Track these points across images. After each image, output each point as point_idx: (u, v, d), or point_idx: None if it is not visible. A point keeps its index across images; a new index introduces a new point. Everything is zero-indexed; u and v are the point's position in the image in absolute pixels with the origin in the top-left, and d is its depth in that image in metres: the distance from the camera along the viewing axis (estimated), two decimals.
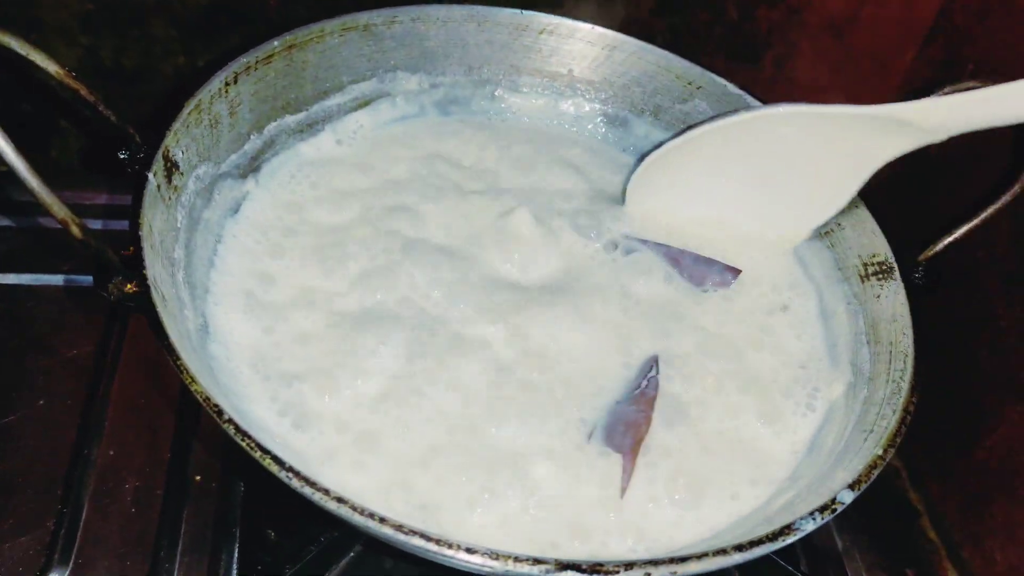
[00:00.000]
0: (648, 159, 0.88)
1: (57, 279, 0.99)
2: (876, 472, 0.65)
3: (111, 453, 0.86)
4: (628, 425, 0.74)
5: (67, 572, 0.78)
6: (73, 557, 0.79)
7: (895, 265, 0.81)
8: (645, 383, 0.77)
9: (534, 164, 0.95)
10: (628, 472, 0.71)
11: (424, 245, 0.85)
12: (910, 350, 0.74)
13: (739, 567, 0.82)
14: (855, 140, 0.80)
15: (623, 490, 0.71)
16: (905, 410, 0.69)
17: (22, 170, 0.56)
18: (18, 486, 0.82)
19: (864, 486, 0.64)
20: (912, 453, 1.01)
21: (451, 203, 0.89)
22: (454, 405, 0.74)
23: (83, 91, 0.68)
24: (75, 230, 0.59)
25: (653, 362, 0.79)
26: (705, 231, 0.91)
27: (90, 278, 0.96)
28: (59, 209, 0.58)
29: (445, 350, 0.76)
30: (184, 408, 0.90)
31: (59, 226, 0.94)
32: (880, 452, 0.66)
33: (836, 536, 0.92)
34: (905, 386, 0.71)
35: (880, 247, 0.83)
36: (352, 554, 0.80)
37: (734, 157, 0.86)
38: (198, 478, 0.85)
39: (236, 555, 0.80)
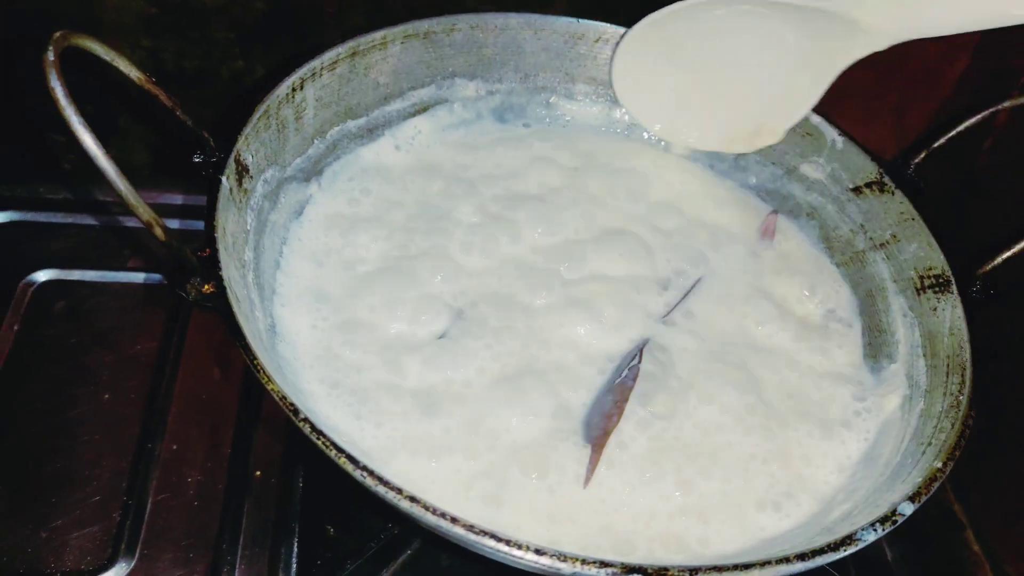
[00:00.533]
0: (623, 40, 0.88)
1: (120, 276, 1.02)
2: (936, 485, 0.65)
3: (174, 448, 0.88)
4: (602, 416, 0.75)
5: (133, 562, 0.80)
6: (139, 548, 0.81)
7: (952, 278, 0.81)
8: (626, 372, 0.77)
9: (592, 171, 0.97)
10: (593, 463, 0.72)
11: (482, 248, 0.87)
12: (968, 364, 0.74)
13: None
14: (811, 42, 0.84)
15: (586, 480, 0.72)
16: (964, 423, 0.70)
17: (111, 173, 0.58)
18: (85, 478, 0.85)
19: (924, 498, 0.64)
20: (956, 465, 1.01)
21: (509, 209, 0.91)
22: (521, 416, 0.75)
23: (162, 96, 0.70)
24: (158, 232, 0.61)
25: (638, 350, 0.79)
26: None
27: (153, 275, 1.01)
28: (144, 211, 0.60)
29: (520, 354, 0.79)
30: (244, 404, 0.92)
31: (123, 224, 0.97)
32: (940, 465, 0.67)
33: (886, 547, 0.92)
34: (964, 400, 0.72)
35: (936, 260, 0.83)
36: (409, 551, 0.81)
37: (704, 48, 0.88)
38: (258, 473, 0.87)
39: (295, 550, 0.81)
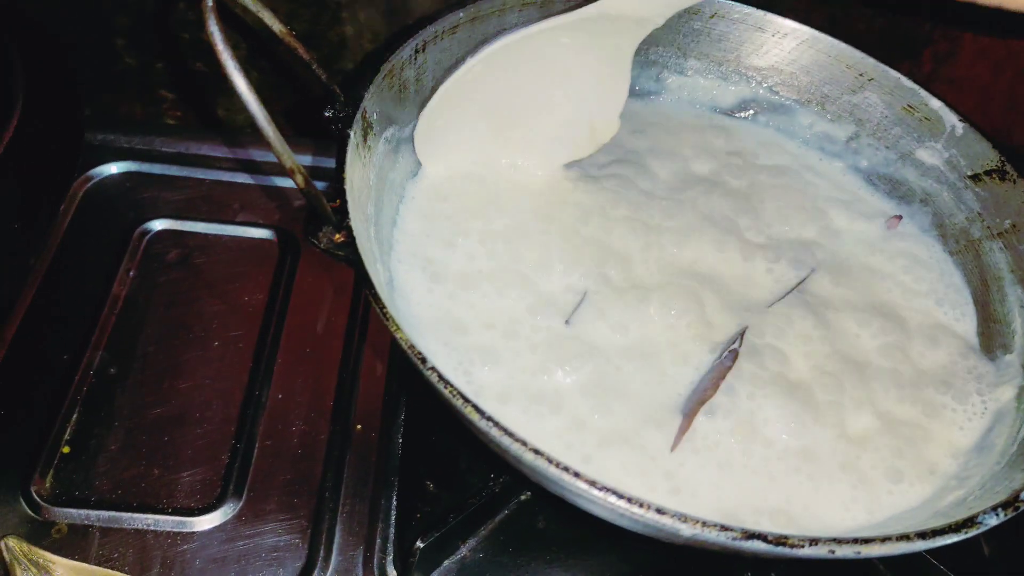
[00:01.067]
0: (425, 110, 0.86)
1: (230, 229, 1.04)
2: None
3: (279, 397, 0.91)
4: (697, 392, 0.76)
5: (240, 504, 0.83)
6: (246, 490, 0.84)
7: None
8: (725, 354, 0.78)
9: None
10: (682, 430, 0.73)
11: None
12: None
13: (887, 564, 0.82)
14: (598, 41, 0.87)
15: (673, 445, 0.73)
16: None
17: (262, 119, 0.60)
18: (195, 420, 0.88)
19: None
20: None
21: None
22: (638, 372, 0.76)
23: (300, 50, 0.72)
24: (299, 179, 0.63)
25: (739, 336, 0.80)
26: None
27: (263, 229, 1.03)
28: (288, 158, 0.62)
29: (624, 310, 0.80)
30: (346, 360, 0.94)
31: (232, 180, 0.99)
32: None
33: (983, 541, 0.90)
34: None
35: None
36: (506, 511, 0.83)
37: (509, 84, 0.88)
38: (359, 427, 0.89)
39: (395, 502, 0.83)
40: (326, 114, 0.74)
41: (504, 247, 0.84)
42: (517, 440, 0.58)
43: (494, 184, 0.90)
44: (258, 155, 1.11)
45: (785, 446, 0.74)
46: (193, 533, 0.81)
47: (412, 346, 0.62)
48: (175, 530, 0.80)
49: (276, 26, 0.70)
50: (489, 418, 0.59)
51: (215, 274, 1.00)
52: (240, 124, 1.18)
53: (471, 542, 0.81)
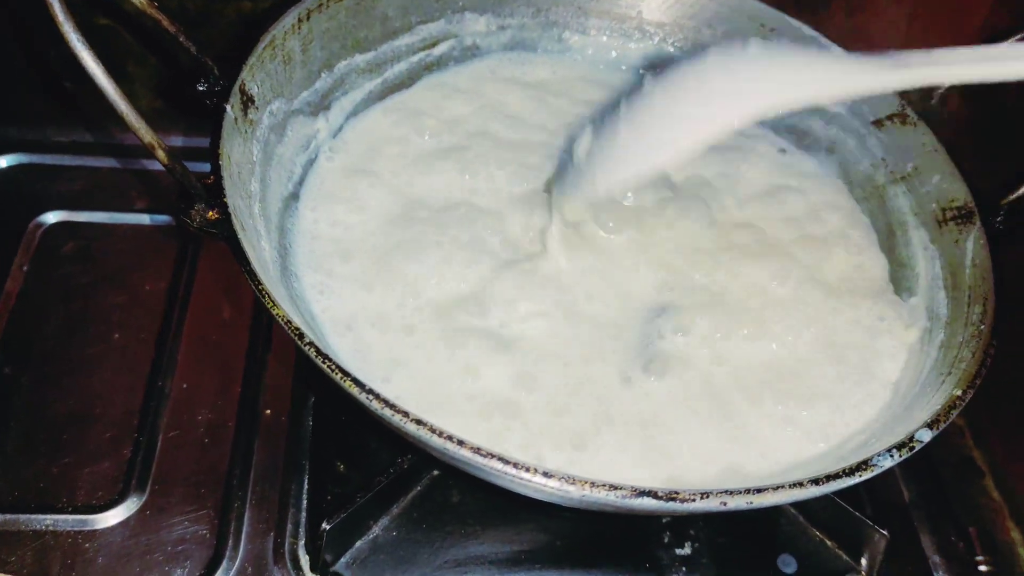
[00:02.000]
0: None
1: (129, 218, 1.01)
2: (955, 413, 0.64)
3: (184, 386, 0.88)
4: None
5: (144, 497, 0.80)
6: (150, 483, 0.81)
7: (975, 209, 0.79)
8: None
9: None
10: None
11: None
12: (991, 294, 0.72)
13: (803, 509, 0.82)
14: None
15: None
16: (985, 352, 0.68)
17: (112, 93, 0.57)
18: (96, 416, 0.85)
19: (943, 425, 0.63)
20: (976, 411, 0.99)
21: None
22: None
23: (165, 21, 0.69)
24: (160, 155, 0.60)
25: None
26: None
27: (161, 216, 1.00)
28: (146, 133, 0.59)
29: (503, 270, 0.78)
30: (254, 343, 0.92)
31: (131, 166, 0.96)
32: (959, 392, 0.65)
33: (903, 487, 0.91)
34: (985, 329, 0.70)
35: (959, 191, 0.81)
36: (419, 488, 0.81)
37: None
38: (268, 412, 0.87)
39: (306, 486, 0.81)
40: (199, 88, 0.71)
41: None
42: (399, 412, 0.56)
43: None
44: (165, 140, 1.07)
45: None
46: (95, 531, 0.78)
47: (289, 321, 0.60)
48: (76, 529, 0.78)
49: None
50: (370, 391, 0.57)
51: (114, 264, 0.97)
52: (148, 109, 1.14)
53: (383, 520, 0.79)
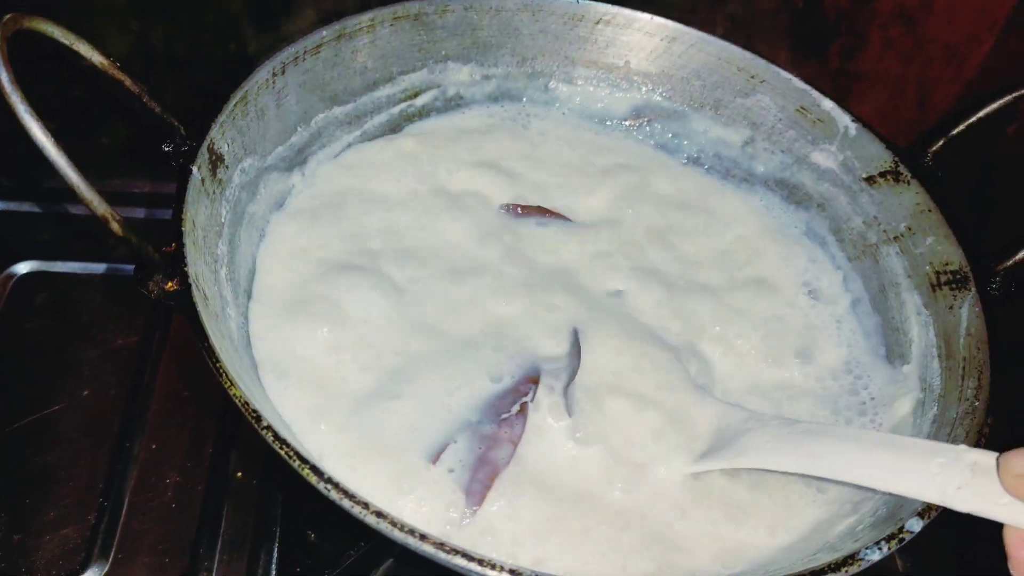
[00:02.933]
0: None
1: (103, 268, 0.99)
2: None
3: (153, 447, 0.86)
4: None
5: (106, 567, 0.78)
6: (113, 552, 0.78)
7: (970, 275, 0.76)
8: (517, 408, 0.70)
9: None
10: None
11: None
12: (986, 367, 0.69)
13: None
14: None
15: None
16: (979, 432, 0.65)
17: (63, 165, 0.55)
18: (61, 478, 0.82)
19: (934, 514, 0.60)
20: None
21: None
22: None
23: (127, 82, 0.67)
24: (115, 227, 0.58)
25: (533, 381, 0.72)
26: None
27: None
28: (99, 205, 0.57)
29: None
30: (227, 403, 0.88)
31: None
32: None
33: (897, 557, 0.88)
34: (980, 406, 0.67)
35: (954, 254, 0.78)
36: (391, 560, 0.78)
37: None
38: (239, 475, 0.84)
39: (276, 555, 0.79)
40: (165, 148, 0.69)
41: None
42: (358, 502, 0.54)
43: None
44: (134, 186, 1.05)
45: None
46: None
47: (247, 403, 0.57)
48: None
49: (96, 58, 0.64)
50: (328, 479, 0.54)
51: (87, 317, 0.94)
52: (105, 153, 1.11)
53: None
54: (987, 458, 0.56)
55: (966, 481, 0.56)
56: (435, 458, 0.66)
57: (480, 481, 0.66)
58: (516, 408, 0.70)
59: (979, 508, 0.56)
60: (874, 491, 0.65)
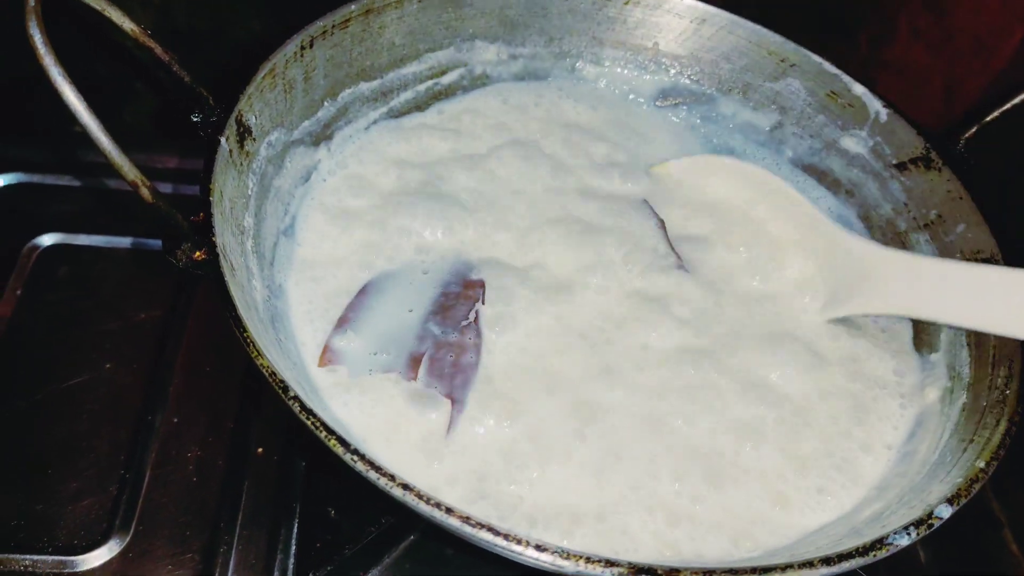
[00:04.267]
0: None
1: (127, 242, 0.98)
2: (977, 487, 0.60)
3: (175, 421, 0.85)
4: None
5: (127, 538, 0.77)
6: (134, 524, 0.78)
7: (1001, 262, 0.75)
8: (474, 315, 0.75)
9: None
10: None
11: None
12: (1017, 355, 0.68)
13: None
14: None
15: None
16: (1011, 420, 0.64)
17: (95, 130, 0.54)
18: (83, 449, 0.82)
19: (964, 501, 0.59)
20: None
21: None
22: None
23: (157, 50, 0.66)
24: (145, 192, 0.58)
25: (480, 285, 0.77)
26: None
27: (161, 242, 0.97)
28: (129, 170, 0.57)
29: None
30: (248, 379, 0.89)
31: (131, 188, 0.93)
32: (982, 465, 0.61)
33: (919, 546, 0.87)
34: (1011, 395, 0.66)
35: (985, 242, 0.77)
36: (412, 537, 0.78)
37: None
38: (260, 450, 0.84)
39: (295, 531, 0.78)
40: (193, 119, 0.69)
41: None
42: (384, 475, 0.53)
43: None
44: (157, 161, 1.05)
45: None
46: (75, 573, 0.75)
47: (274, 373, 0.57)
48: (56, 572, 0.75)
49: (127, 24, 0.64)
50: (355, 451, 0.54)
51: (109, 290, 0.94)
52: (132, 125, 1.11)
53: (374, 572, 0.76)
54: None
55: None
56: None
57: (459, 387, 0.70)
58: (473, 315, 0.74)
59: None
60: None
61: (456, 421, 0.68)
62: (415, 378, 0.71)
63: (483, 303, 0.76)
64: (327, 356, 0.71)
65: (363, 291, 0.76)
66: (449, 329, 0.74)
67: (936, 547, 0.87)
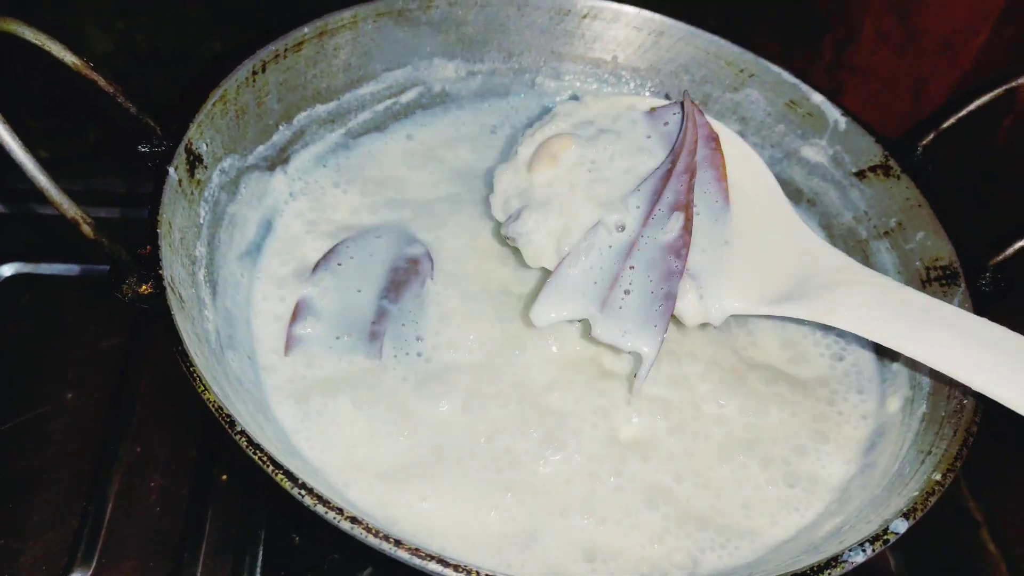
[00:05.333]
0: None
1: (89, 269, 0.98)
2: (933, 499, 0.60)
3: (138, 450, 0.85)
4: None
5: (90, 570, 0.77)
6: (96, 556, 0.78)
7: (960, 271, 0.75)
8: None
9: None
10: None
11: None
12: None
13: None
14: None
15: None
16: (967, 431, 0.64)
17: (31, 168, 0.54)
18: (44, 482, 0.81)
19: (920, 515, 0.59)
20: (972, 462, 0.95)
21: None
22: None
23: (101, 82, 0.66)
24: (86, 230, 0.57)
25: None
26: None
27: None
28: (69, 207, 0.56)
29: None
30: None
31: (93, 214, 0.93)
32: (939, 477, 0.61)
33: (888, 554, 0.86)
34: (968, 404, 0.66)
35: (944, 250, 0.77)
36: (371, 567, 0.77)
37: None
38: (224, 477, 0.84)
39: (260, 558, 0.78)
40: (141, 149, 0.68)
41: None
42: (332, 508, 0.53)
43: None
44: (91, 185, 1.04)
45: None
46: None
47: (220, 408, 0.57)
48: None
49: (68, 58, 0.63)
50: (303, 485, 0.54)
51: (71, 319, 0.94)
52: (81, 151, 1.10)
53: None
54: None
55: None
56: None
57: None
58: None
59: None
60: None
61: None
62: (380, 356, 0.72)
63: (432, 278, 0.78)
64: (290, 344, 0.72)
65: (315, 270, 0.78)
66: (403, 302, 0.76)
67: (912, 549, 0.87)
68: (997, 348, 0.61)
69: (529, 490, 0.66)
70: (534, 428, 0.69)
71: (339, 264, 0.78)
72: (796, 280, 0.71)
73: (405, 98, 0.93)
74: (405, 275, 0.78)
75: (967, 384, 0.62)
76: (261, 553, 0.78)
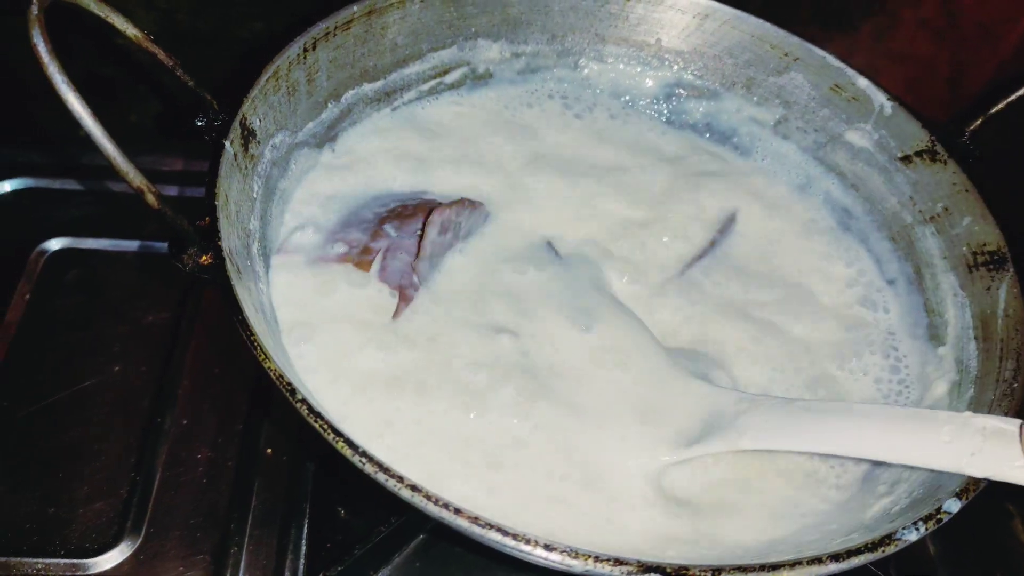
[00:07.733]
0: None
1: (135, 245, 0.99)
2: (984, 481, 0.60)
3: (184, 423, 0.86)
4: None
5: (138, 541, 0.78)
6: (145, 526, 0.79)
7: (1008, 256, 0.75)
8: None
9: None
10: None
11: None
12: None
13: None
14: None
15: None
16: (1018, 414, 0.64)
17: (99, 137, 0.55)
18: (93, 452, 0.83)
19: (972, 495, 0.59)
20: None
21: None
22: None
23: (160, 55, 0.66)
24: (151, 199, 0.58)
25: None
26: None
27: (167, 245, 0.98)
28: (135, 176, 0.57)
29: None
30: (258, 380, 0.89)
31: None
32: None
33: (928, 539, 0.87)
34: (1018, 388, 0.66)
35: (991, 235, 0.77)
36: (422, 536, 0.78)
37: None
38: (269, 451, 0.85)
39: (305, 531, 0.79)
40: (198, 123, 0.69)
41: None
42: (392, 476, 0.54)
43: None
44: (164, 164, 1.06)
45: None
46: None
47: (281, 376, 0.57)
48: (67, 575, 0.75)
49: (130, 30, 0.64)
50: (363, 453, 0.54)
51: (118, 294, 0.95)
52: (137, 129, 1.11)
53: (384, 571, 0.76)
54: (995, 422, 0.58)
55: (978, 447, 0.58)
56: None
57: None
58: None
59: (995, 472, 0.58)
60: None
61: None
62: (368, 269, 0.76)
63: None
64: (284, 248, 0.75)
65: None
66: (404, 235, 0.78)
67: (946, 539, 0.87)
68: (887, 421, 0.63)
69: None
70: None
71: None
72: (702, 424, 0.70)
73: (449, 78, 0.93)
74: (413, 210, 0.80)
75: (872, 458, 0.66)
76: (306, 526, 0.79)
